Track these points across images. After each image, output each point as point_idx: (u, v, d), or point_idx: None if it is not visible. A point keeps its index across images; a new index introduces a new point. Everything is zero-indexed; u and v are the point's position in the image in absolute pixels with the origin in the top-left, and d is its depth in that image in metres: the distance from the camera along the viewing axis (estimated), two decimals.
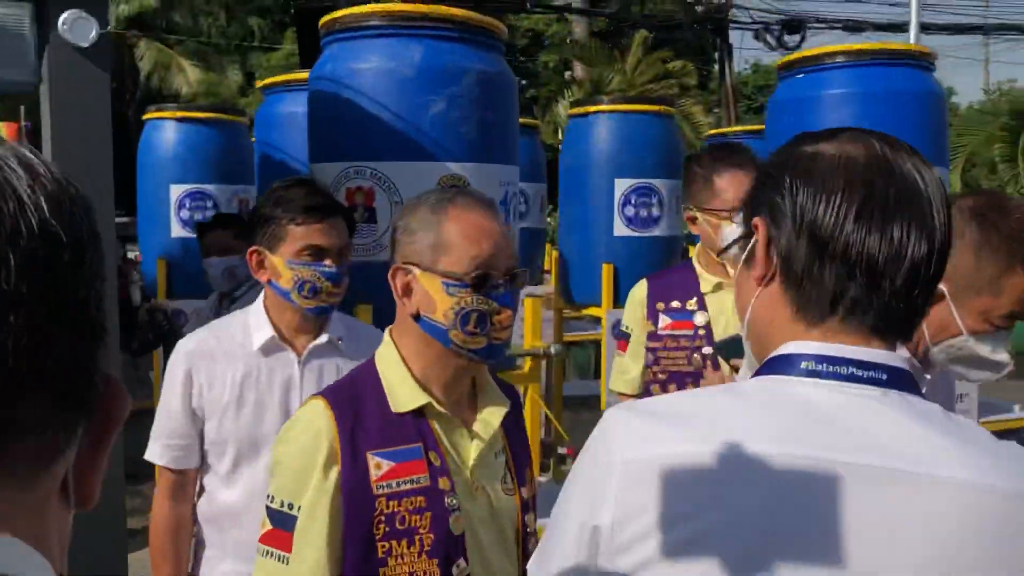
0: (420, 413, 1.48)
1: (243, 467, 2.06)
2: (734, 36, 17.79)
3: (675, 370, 2.54)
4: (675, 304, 2.58)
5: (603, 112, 4.97)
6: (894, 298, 0.91)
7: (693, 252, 2.68)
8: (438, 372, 1.51)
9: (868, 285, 0.91)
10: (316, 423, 1.45)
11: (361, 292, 2.89)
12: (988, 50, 28.75)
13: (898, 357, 0.92)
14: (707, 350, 2.51)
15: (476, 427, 1.53)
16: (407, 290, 1.49)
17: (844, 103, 3.56)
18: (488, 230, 1.47)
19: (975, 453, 0.87)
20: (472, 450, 1.51)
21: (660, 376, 2.56)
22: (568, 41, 15.79)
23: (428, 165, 2.89)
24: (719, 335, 2.49)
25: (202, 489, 2.12)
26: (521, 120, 6.63)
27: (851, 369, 0.90)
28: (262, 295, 2.13)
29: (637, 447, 0.91)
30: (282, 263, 2.01)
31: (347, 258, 2.08)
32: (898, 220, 0.91)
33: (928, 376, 1.71)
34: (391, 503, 1.42)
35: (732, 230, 2.43)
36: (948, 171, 3.65)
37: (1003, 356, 1.59)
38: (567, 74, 16.03)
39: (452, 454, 1.49)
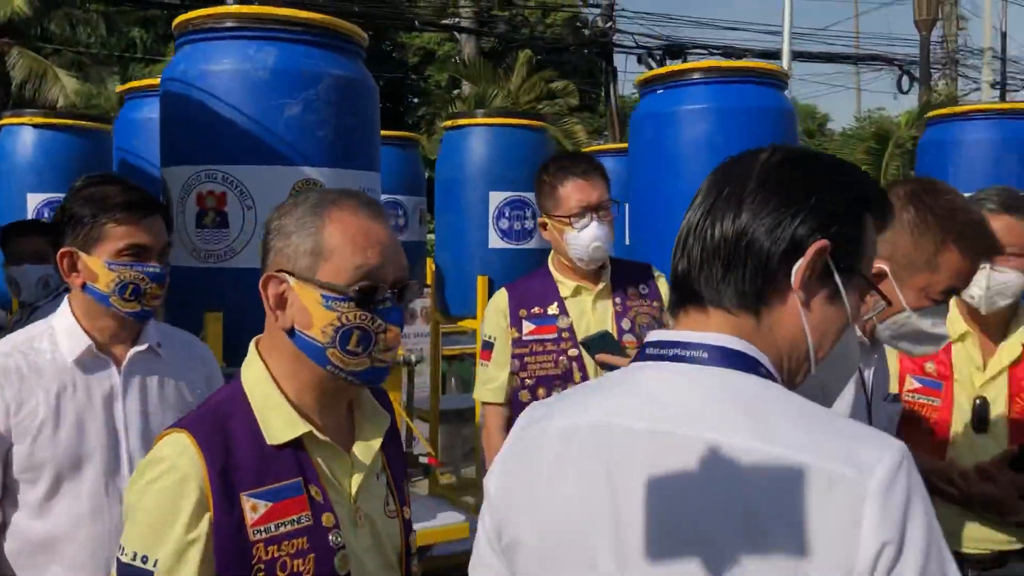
0: (298, 442, 1.32)
1: (63, 491, 1.86)
2: (619, 60, 18.22)
3: (543, 374, 2.58)
4: (536, 310, 2.63)
5: (478, 125, 5.00)
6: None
7: (550, 257, 2.72)
8: (315, 395, 1.35)
9: None
10: (181, 463, 1.25)
11: (210, 300, 2.82)
12: (859, 79, 30.32)
13: (723, 338, 1.04)
14: (573, 352, 2.56)
15: (356, 450, 1.39)
16: (280, 302, 1.31)
17: (701, 118, 3.68)
18: (375, 236, 1.31)
19: (737, 417, 0.97)
20: (354, 478, 1.37)
21: (528, 381, 2.60)
22: (454, 60, 15.90)
23: (282, 169, 2.84)
24: (581, 335, 2.55)
25: (5, 526, 1.87)
26: (400, 133, 6.63)
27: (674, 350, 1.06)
28: (65, 303, 1.97)
29: None
30: (100, 264, 1.87)
31: (167, 257, 1.97)
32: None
33: (875, 356, 1.83)
34: (270, 548, 1.26)
35: (574, 235, 2.54)
36: None
37: (942, 329, 1.69)
38: (456, 92, 16.11)
39: (334, 484, 1.35)
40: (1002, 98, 18.36)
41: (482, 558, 1.17)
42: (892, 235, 1.57)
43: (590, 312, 2.62)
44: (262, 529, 1.26)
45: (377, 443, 1.41)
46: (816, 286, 1.04)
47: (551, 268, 2.71)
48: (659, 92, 3.83)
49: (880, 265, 1.59)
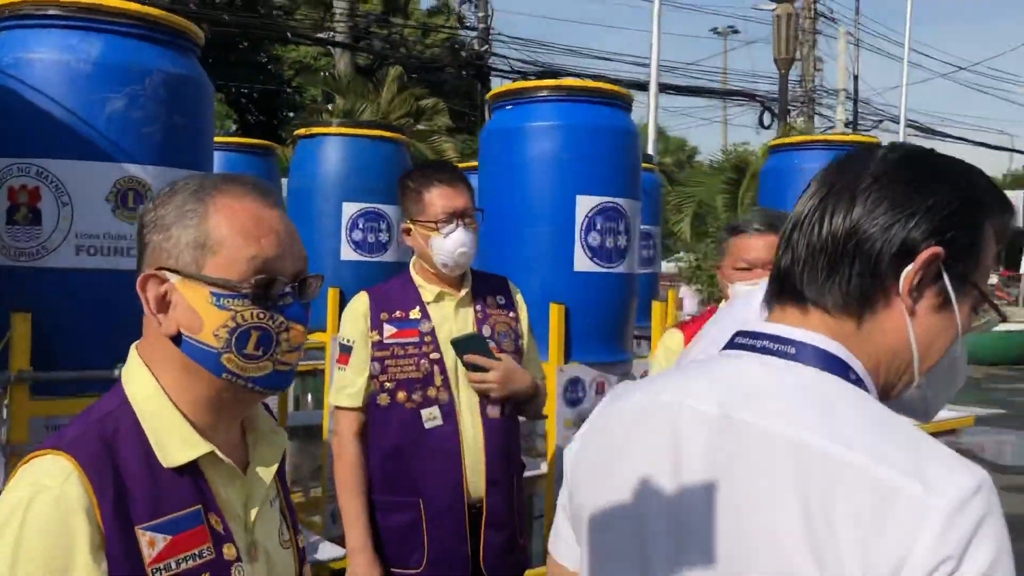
0: (194, 465, 1.16)
1: None
2: (496, 83, 18.46)
3: (404, 377, 2.57)
4: (399, 314, 2.62)
5: (332, 135, 4.93)
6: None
7: (412, 262, 2.73)
8: (210, 409, 1.18)
9: None
10: (67, 495, 1.04)
11: (19, 300, 2.65)
12: (726, 113, 31.64)
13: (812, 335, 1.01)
14: (435, 356, 2.57)
15: (253, 474, 1.24)
16: (163, 304, 1.16)
17: (548, 134, 3.74)
18: (269, 223, 1.16)
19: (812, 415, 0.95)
20: (252, 504, 1.23)
21: (388, 384, 2.58)
22: (325, 74, 15.74)
23: (103, 165, 2.70)
24: (443, 341, 2.57)
25: None
26: (258, 141, 6.46)
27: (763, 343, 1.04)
28: None
29: None
30: None
31: None
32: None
33: None
34: None
35: (440, 240, 2.55)
36: (639, 203, 3.91)
37: None
38: (329, 106, 15.92)
39: (232, 512, 1.20)
40: None
41: (559, 529, 1.20)
42: None
43: (452, 318, 2.63)
44: (161, 567, 1.09)
45: (275, 463, 1.27)
46: (925, 293, 0.99)
47: (413, 274, 2.71)
48: (508, 108, 3.87)
49: None
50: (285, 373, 1.19)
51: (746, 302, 1.81)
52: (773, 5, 15.99)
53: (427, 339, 2.59)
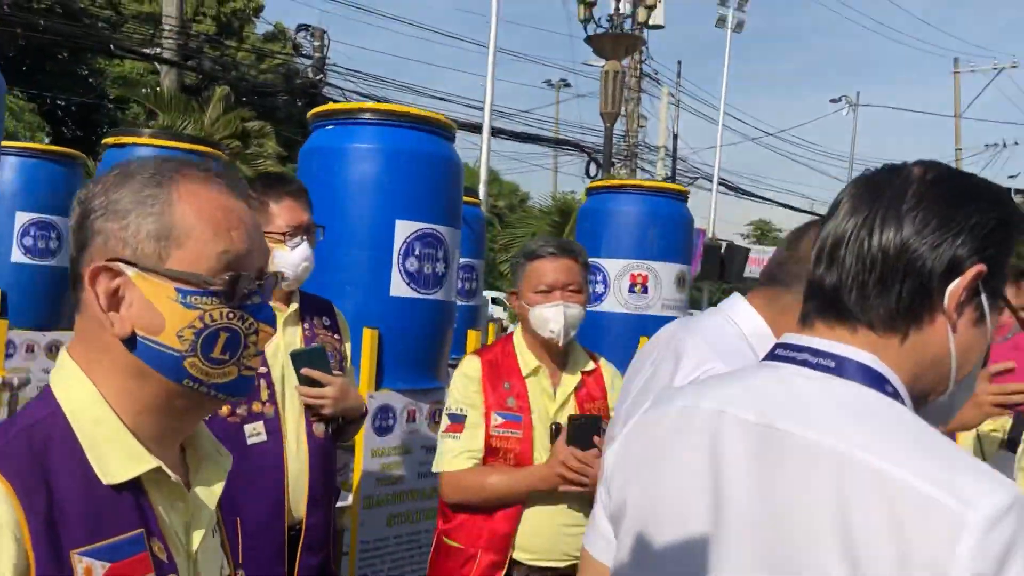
0: (135, 482, 1.02)
1: None
2: None
3: None
4: None
5: (142, 145, 4.71)
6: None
7: None
8: (157, 419, 1.05)
9: None
10: None
11: None
12: (556, 161, 32.70)
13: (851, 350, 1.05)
14: (262, 369, 2.46)
15: (196, 493, 1.11)
16: (114, 301, 1.02)
17: (369, 157, 3.72)
18: (238, 215, 1.06)
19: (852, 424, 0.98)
20: (194, 530, 1.09)
21: None
22: (147, 89, 15.12)
23: None
24: (270, 355, 2.48)
25: None
26: (63, 149, 6.08)
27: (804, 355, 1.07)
28: None
29: None
30: None
31: None
32: None
33: None
34: None
35: (285, 253, 2.49)
36: (459, 232, 3.95)
37: None
38: (152, 123, 15.26)
39: (173, 537, 1.06)
40: None
41: (597, 526, 1.23)
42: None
43: (280, 333, 2.56)
44: None
45: (220, 488, 1.14)
46: (965, 308, 1.03)
47: None
48: (329, 128, 3.82)
49: None
50: (248, 379, 1.08)
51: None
52: (602, 62, 16.72)
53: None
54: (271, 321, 1.08)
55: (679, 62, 35.20)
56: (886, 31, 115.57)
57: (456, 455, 2.55)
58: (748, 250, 16.67)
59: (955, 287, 1.02)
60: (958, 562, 0.86)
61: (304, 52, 19.12)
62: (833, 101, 32.08)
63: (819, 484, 0.96)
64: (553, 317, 2.59)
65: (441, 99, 20.42)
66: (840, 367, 1.04)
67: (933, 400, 1.08)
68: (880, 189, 1.06)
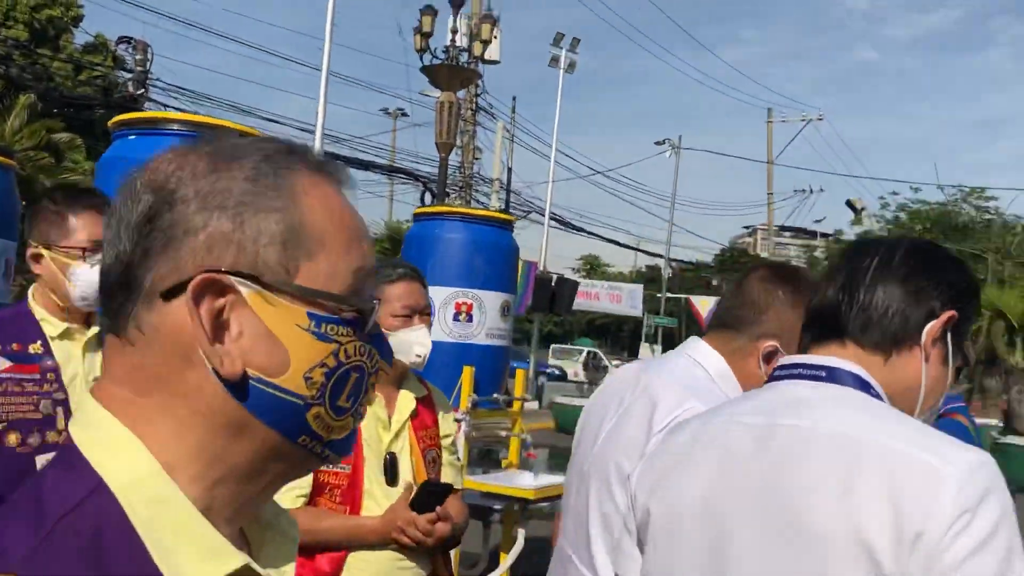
0: None
1: None
2: None
3: (18, 417, 2.23)
4: (15, 346, 2.29)
5: None
6: None
7: (31, 293, 2.39)
8: (242, 489, 0.76)
9: None
10: None
11: None
12: (392, 189, 32.58)
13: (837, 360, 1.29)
14: (59, 396, 2.27)
15: None
16: (220, 326, 0.72)
17: None
18: (362, 222, 0.82)
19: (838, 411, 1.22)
20: None
21: None
22: None
23: None
24: (68, 381, 2.30)
25: None
26: None
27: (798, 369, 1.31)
28: None
29: None
30: None
31: None
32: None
33: None
34: None
35: (84, 270, 2.28)
36: None
37: None
38: None
39: None
40: None
41: (622, 548, 1.41)
42: (774, 313, 1.79)
43: (80, 358, 2.37)
44: None
45: (291, 572, 0.85)
46: (936, 347, 1.28)
47: (33, 305, 2.38)
48: (132, 137, 3.59)
49: (773, 343, 1.77)
50: (354, 433, 0.83)
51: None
52: (438, 92, 16.81)
53: (50, 376, 2.30)
54: (389, 357, 0.84)
55: (514, 97, 36.04)
56: (709, 80, 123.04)
57: (283, 492, 2.38)
58: (577, 283, 17.09)
59: (932, 326, 1.27)
60: (943, 505, 1.07)
61: (126, 66, 18.21)
62: (658, 143, 33.62)
63: (821, 461, 1.15)
64: (420, 341, 2.50)
65: (271, 120, 19.88)
66: (831, 375, 1.26)
67: None
68: (871, 250, 1.34)
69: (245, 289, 0.72)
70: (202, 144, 0.77)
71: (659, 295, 32.41)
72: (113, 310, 0.75)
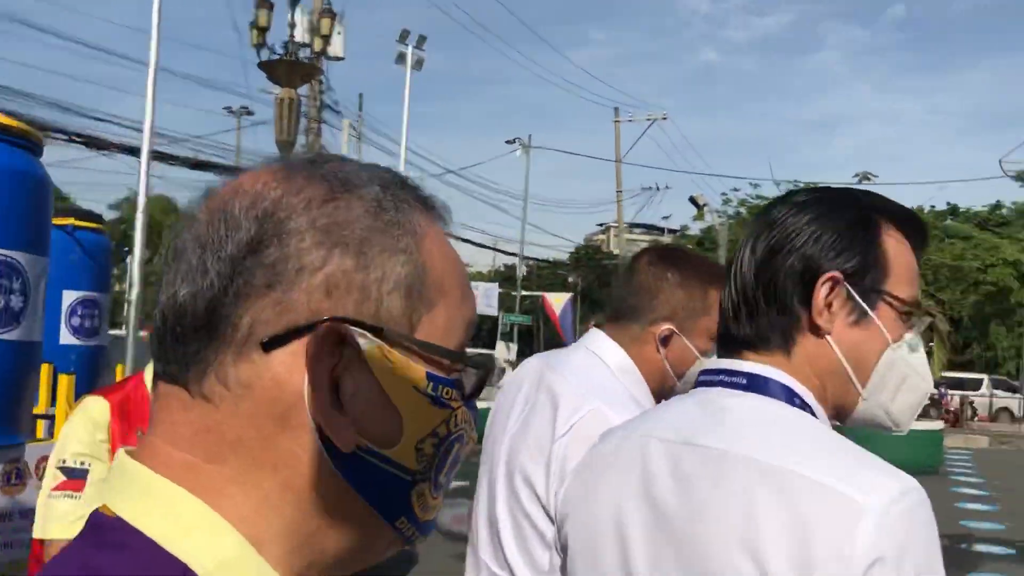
0: None
1: None
2: None
3: None
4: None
5: None
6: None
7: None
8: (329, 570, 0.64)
9: None
10: None
11: None
12: None
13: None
14: None
15: None
16: (348, 388, 0.60)
17: None
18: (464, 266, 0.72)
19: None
20: None
21: None
22: None
23: None
24: None
25: None
26: None
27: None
28: None
29: None
30: None
31: None
32: None
33: None
34: None
35: None
36: (46, 259, 3.42)
37: None
38: None
39: None
40: None
41: (554, 567, 1.33)
42: (664, 296, 1.78)
43: None
44: None
45: None
46: (840, 312, 1.11)
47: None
48: None
49: (668, 326, 1.77)
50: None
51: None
52: (279, 89, 16.21)
53: None
54: (473, 424, 0.71)
55: (360, 95, 35.38)
56: (558, 80, 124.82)
57: (75, 520, 2.04)
58: None
59: (816, 299, 1.11)
60: (858, 546, 0.93)
61: None
62: (508, 142, 33.82)
63: (729, 490, 1.04)
64: None
65: (98, 119, 18.70)
66: (750, 383, 1.13)
67: (855, 408, 1.16)
68: (755, 222, 1.20)
69: (364, 342, 0.60)
70: (309, 166, 0.64)
71: (514, 293, 32.59)
72: (184, 357, 0.60)
